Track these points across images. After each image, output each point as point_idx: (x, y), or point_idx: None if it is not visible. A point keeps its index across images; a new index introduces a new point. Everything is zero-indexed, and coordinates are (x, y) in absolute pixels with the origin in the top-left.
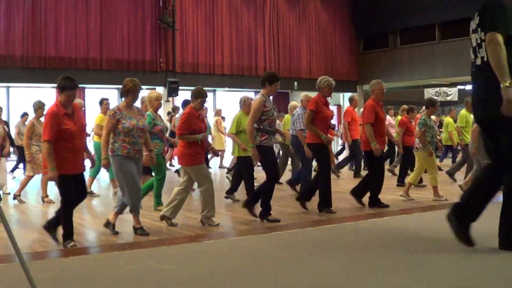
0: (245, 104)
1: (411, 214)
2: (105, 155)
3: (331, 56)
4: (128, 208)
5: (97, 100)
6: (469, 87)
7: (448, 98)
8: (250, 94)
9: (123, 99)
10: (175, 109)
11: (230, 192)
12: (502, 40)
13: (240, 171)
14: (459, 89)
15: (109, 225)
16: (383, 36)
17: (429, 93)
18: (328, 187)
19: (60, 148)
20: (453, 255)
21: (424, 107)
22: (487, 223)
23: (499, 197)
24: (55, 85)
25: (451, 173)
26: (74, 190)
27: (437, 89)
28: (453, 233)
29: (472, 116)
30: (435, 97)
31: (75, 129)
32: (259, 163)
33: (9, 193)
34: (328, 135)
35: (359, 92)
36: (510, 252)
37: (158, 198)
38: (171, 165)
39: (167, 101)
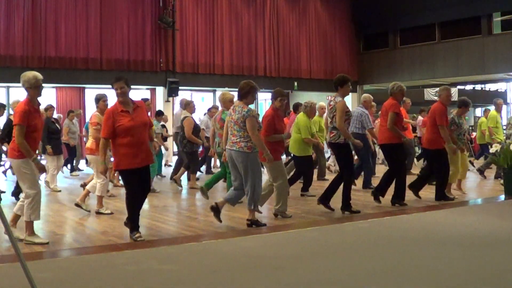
0: (311, 108)
1: (411, 214)
2: (267, 151)
3: (331, 56)
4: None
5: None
6: (469, 87)
7: None
8: None
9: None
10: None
11: (305, 190)
12: None
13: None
14: (459, 89)
15: (256, 223)
16: (383, 36)
17: (429, 93)
18: (404, 182)
19: (117, 144)
20: (453, 255)
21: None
22: (489, 224)
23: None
24: (55, 85)
25: (481, 171)
26: (136, 183)
27: (437, 89)
28: None
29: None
30: (435, 97)
31: (130, 125)
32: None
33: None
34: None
35: (359, 92)
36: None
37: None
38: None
39: (167, 101)
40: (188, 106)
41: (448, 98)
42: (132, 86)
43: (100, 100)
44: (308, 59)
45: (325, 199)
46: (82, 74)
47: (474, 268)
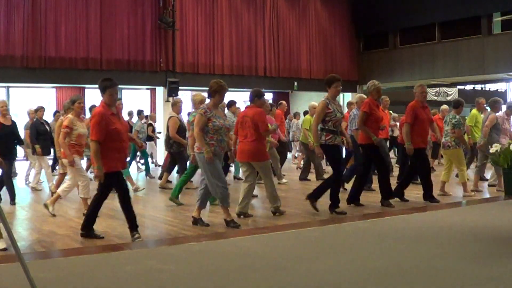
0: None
1: (411, 214)
2: (204, 149)
3: (331, 56)
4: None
5: (97, 100)
6: (469, 87)
7: (448, 98)
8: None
9: (207, 100)
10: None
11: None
12: None
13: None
14: (459, 89)
15: (197, 221)
16: (383, 36)
17: (429, 93)
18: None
19: (107, 148)
20: (453, 254)
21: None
22: (489, 224)
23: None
24: (55, 85)
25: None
26: (113, 186)
27: (437, 89)
28: None
29: (482, 115)
30: (435, 97)
31: (121, 128)
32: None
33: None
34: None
35: (359, 92)
36: None
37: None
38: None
39: (167, 101)
40: (174, 106)
41: (423, 96)
42: (132, 86)
43: (76, 102)
44: (308, 59)
45: (313, 196)
46: (82, 74)
47: (474, 268)
